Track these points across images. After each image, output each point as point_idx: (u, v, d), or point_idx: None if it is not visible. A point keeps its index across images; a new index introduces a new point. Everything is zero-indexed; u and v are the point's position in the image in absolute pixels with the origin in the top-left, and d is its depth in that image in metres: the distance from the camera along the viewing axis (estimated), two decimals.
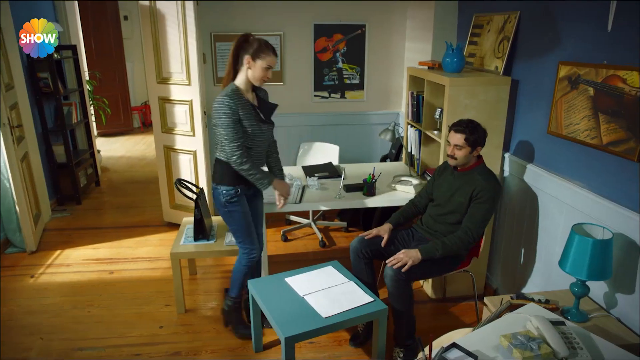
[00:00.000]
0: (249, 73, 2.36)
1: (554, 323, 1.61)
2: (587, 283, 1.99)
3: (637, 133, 1.93)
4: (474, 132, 2.40)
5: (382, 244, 2.60)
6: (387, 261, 2.42)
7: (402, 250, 2.40)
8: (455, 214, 2.51)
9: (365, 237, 2.63)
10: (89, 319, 2.93)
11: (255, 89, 2.49)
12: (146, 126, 8.21)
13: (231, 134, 2.34)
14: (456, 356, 1.47)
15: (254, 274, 2.75)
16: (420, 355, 1.52)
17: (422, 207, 2.75)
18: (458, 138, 2.41)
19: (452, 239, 2.42)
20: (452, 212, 2.52)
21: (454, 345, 1.52)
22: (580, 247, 1.90)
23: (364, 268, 2.62)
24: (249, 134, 2.39)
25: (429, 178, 2.84)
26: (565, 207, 2.38)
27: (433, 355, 1.47)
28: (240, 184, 2.50)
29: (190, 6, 3.56)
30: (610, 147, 2.07)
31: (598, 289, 2.17)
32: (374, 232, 2.64)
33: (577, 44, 2.29)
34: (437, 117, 3.04)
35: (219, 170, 2.49)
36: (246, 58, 2.32)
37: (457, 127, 2.43)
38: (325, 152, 4.10)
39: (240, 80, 2.39)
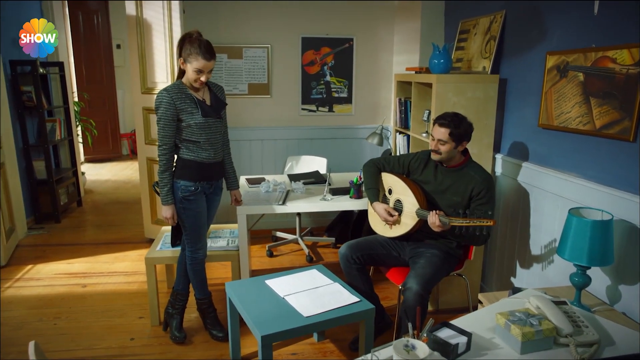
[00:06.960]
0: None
1: (556, 303, 1.46)
2: (589, 273, 1.85)
3: (631, 112, 1.85)
4: (458, 126, 2.25)
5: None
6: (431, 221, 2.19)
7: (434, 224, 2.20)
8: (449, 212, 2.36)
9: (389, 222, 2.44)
10: (53, 331, 2.70)
11: (209, 85, 2.44)
12: (135, 153, 8.10)
13: (161, 132, 2.29)
14: (448, 334, 1.30)
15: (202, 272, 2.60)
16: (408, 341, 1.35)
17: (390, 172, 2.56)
18: (442, 132, 2.26)
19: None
20: (445, 209, 2.38)
21: (444, 324, 1.36)
22: (579, 230, 1.77)
23: (357, 275, 2.46)
24: (193, 126, 2.31)
25: (403, 154, 2.61)
26: (561, 200, 2.27)
27: (422, 332, 1.30)
28: (202, 180, 2.40)
29: (177, 16, 3.57)
30: (604, 130, 1.99)
31: (599, 283, 2.02)
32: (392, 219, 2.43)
33: (564, 32, 2.26)
34: (425, 118, 2.97)
35: (180, 165, 2.38)
36: (179, 60, 2.30)
37: (441, 120, 2.29)
38: (312, 165, 3.99)
39: (186, 77, 2.35)
